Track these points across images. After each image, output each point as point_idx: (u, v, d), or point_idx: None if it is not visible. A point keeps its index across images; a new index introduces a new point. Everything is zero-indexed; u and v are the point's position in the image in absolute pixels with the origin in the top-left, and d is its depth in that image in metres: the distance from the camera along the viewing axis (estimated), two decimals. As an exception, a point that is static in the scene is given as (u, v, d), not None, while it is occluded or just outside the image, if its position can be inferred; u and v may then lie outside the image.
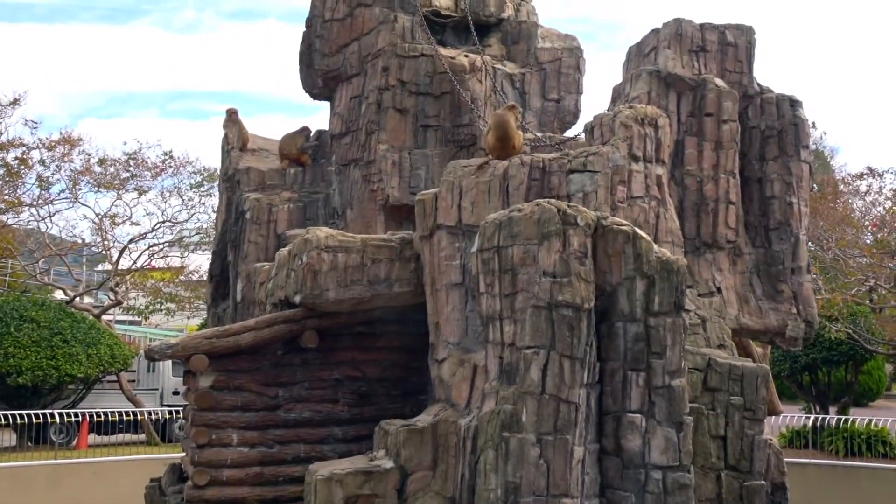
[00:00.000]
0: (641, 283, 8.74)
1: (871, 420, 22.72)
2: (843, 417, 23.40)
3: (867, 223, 27.91)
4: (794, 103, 11.94)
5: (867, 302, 26.51)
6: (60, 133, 27.65)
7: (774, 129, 11.81)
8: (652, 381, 8.64)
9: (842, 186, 30.87)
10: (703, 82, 11.60)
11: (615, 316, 8.80)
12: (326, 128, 16.00)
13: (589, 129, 10.94)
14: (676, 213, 10.80)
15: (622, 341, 8.72)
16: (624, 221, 9.11)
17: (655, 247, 9.00)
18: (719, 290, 11.06)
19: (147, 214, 30.04)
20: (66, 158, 27.35)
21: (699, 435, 9.33)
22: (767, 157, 11.78)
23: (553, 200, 9.01)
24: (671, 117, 11.29)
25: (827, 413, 25.95)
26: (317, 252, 10.66)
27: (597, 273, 8.74)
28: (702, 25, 11.97)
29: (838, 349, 26.05)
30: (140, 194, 28.95)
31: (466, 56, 14.40)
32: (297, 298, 10.81)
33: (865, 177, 28.57)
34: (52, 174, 27.50)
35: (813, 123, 49.09)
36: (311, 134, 15.90)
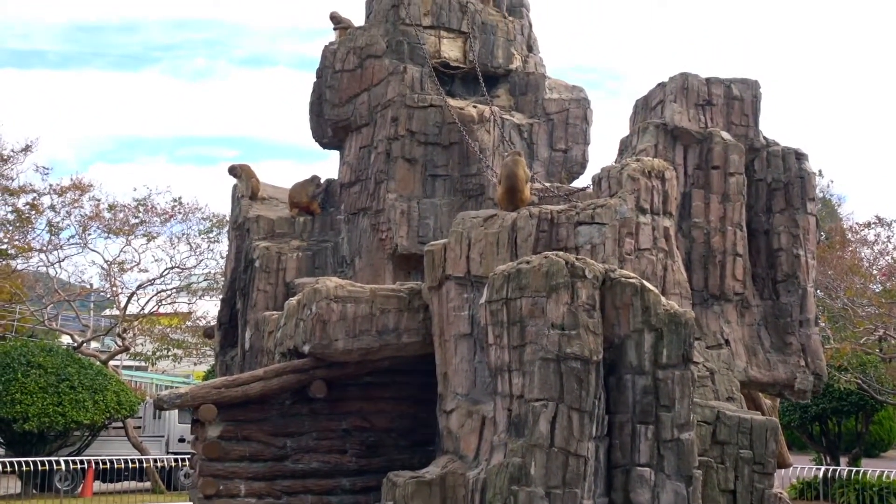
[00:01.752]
0: (650, 335, 8.78)
1: (882, 472, 22.52)
2: (855, 469, 23.20)
3: (875, 272, 27.91)
4: (799, 156, 12.06)
5: (877, 352, 26.41)
6: (71, 179, 27.94)
7: (781, 182, 11.92)
8: (661, 434, 8.65)
9: (850, 235, 30.92)
10: (709, 135, 11.74)
11: (624, 368, 8.83)
12: (336, 177, 16.17)
13: (597, 180, 11.05)
14: (684, 265, 10.86)
15: (631, 394, 8.74)
16: (632, 274, 9.18)
17: (663, 299, 9.06)
18: (727, 342, 11.09)
19: (155, 260, 30.15)
20: (76, 204, 27.61)
21: (708, 489, 9.30)
22: (774, 209, 11.87)
23: (561, 253, 9.09)
24: (678, 170, 11.40)
25: (838, 464, 25.74)
26: (326, 302, 10.74)
27: (605, 325, 8.79)
28: (708, 79, 12.13)
29: (848, 399, 25.91)
30: (149, 240, 29.15)
31: (475, 107, 14.59)
32: (306, 348, 10.86)
33: (873, 226, 28.63)
34: (62, 220, 27.75)
35: (819, 171, 49.24)
36: (321, 182, 16.07)
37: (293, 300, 11.53)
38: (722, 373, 10.68)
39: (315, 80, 16.39)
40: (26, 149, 27.01)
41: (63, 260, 28.71)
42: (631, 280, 8.92)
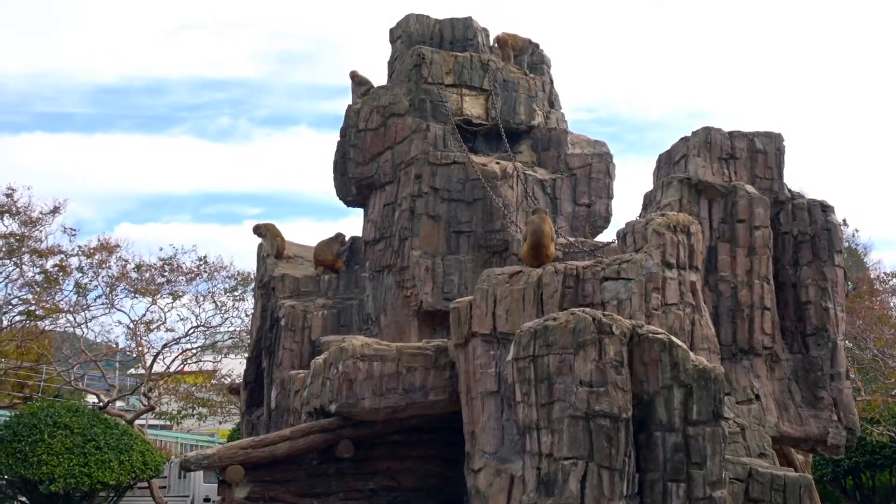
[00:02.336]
0: (679, 391, 8.70)
1: (919, 526, 21.99)
2: (891, 524, 22.68)
3: (905, 322, 27.53)
4: (825, 208, 12.02)
5: (909, 403, 25.95)
6: (99, 240, 28.22)
7: (807, 235, 11.87)
8: (693, 492, 8.52)
9: (877, 285, 30.61)
10: (733, 189, 11.74)
11: (653, 425, 8.74)
12: (360, 234, 16.27)
13: (621, 235, 11.05)
14: (712, 319, 10.79)
15: (661, 451, 8.64)
16: (659, 329, 9.12)
17: (692, 354, 8.99)
18: (758, 397, 10.96)
19: (181, 319, 30.20)
20: (103, 265, 27.85)
21: (742, 548, 9.13)
22: (801, 262, 11.82)
23: (588, 309, 9.07)
24: (703, 224, 11.40)
25: (873, 519, 25.16)
26: (352, 361, 10.74)
27: (633, 382, 8.72)
28: (731, 133, 12.17)
29: (881, 452, 25.39)
30: (174, 299, 29.26)
31: (498, 163, 14.69)
32: (333, 407, 10.84)
33: (901, 275, 28.32)
34: (90, 281, 27.97)
35: (844, 221, 48.87)
36: (346, 240, 16.17)
37: (319, 359, 11.54)
38: (753, 428, 10.54)
39: (339, 139, 16.57)
40: (55, 210, 27.35)
41: (90, 320, 28.87)
42: (659, 335, 8.87)
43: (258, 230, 16.45)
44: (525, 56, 16.33)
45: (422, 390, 10.77)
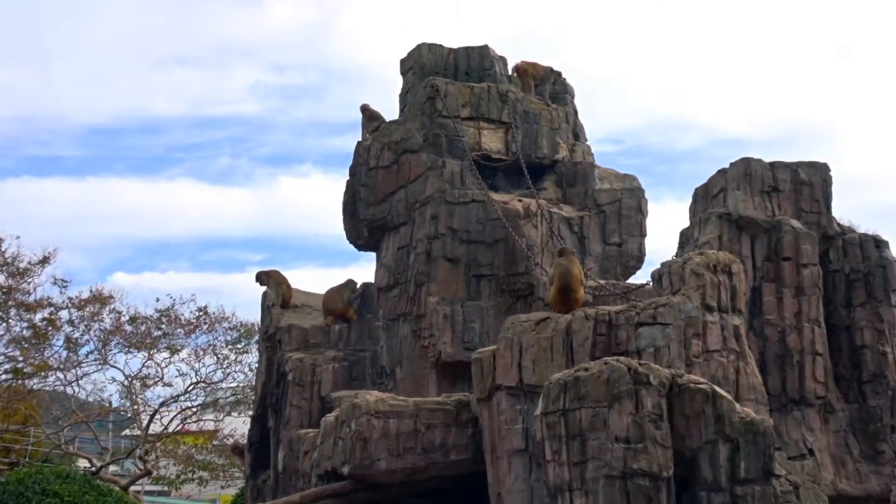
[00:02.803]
0: (724, 447, 8.61)
1: None
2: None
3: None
4: (879, 243, 11.96)
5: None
6: (91, 291, 28.34)
7: (860, 273, 11.80)
8: (743, 558, 8.39)
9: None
10: (777, 224, 11.70)
11: (697, 484, 8.64)
12: (372, 280, 16.27)
13: (657, 277, 11.02)
14: (758, 366, 10.70)
15: (707, 513, 8.53)
16: (701, 379, 9.06)
17: (737, 406, 8.91)
18: (811, 451, 10.83)
19: (179, 375, 30.19)
20: (96, 318, 27.94)
21: None
22: (854, 302, 11.73)
23: (622, 358, 9.01)
24: (745, 263, 11.35)
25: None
26: (366, 418, 10.70)
27: (674, 437, 8.63)
28: (772, 164, 12.17)
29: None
30: (172, 353, 29.30)
31: (520, 200, 14.72)
32: (346, 469, 10.78)
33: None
34: (81, 335, 28.05)
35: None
36: (357, 287, 16.18)
37: (330, 417, 11.50)
38: (807, 486, 10.38)
39: (348, 178, 16.64)
40: (44, 261, 27.51)
41: (82, 378, 28.93)
42: (700, 386, 8.79)
43: (261, 278, 16.50)
44: (546, 85, 16.42)
45: (442, 449, 10.70)
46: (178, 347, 29.54)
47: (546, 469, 9.15)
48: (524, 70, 16.31)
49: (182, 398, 30.11)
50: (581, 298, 10.81)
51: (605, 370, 8.74)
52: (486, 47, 16.68)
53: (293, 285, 16.66)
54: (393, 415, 10.77)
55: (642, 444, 8.45)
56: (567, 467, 8.76)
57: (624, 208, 15.44)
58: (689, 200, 13.21)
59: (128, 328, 28.72)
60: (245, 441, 17.39)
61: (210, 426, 31.39)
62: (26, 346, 27.32)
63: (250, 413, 17.52)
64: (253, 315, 30.13)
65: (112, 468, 32.16)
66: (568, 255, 11.17)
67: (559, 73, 16.83)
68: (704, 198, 12.63)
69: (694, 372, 9.65)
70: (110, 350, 28.71)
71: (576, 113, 16.77)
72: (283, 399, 14.75)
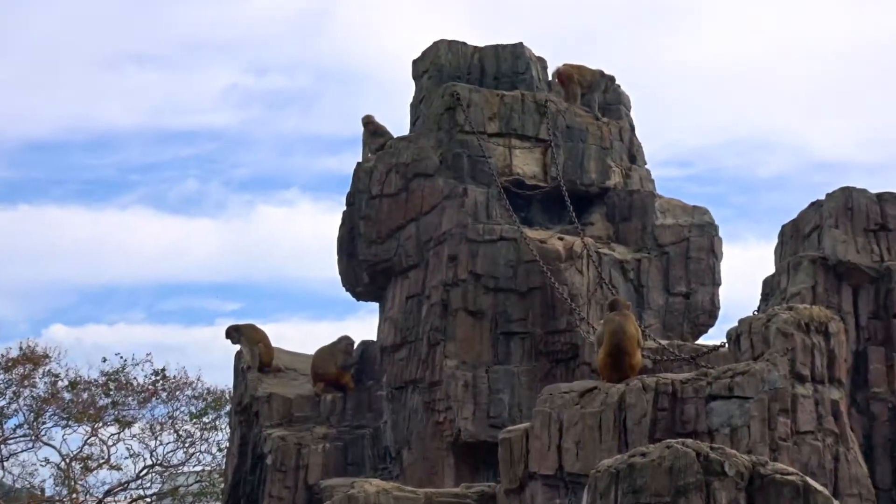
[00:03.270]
0: (820, 555, 8.52)
1: None
2: None
3: None
4: None
5: None
6: (21, 348, 28.40)
7: None
8: None
9: None
10: (887, 272, 11.66)
11: None
12: (374, 338, 16.27)
13: (734, 337, 10.97)
14: (862, 452, 10.63)
15: None
16: (790, 468, 8.98)
17: (836, 502, 8.83)
18: (930, 560, 10.72)
19: (131, 455, 30.14)
20: (26, 382, 27.98)
21: None
22: None
23: (690, 441, 8.95)
24: (846, 320, 11.30)
25: None
26: (365, 514, 10.66)
27: (756, 542, 8.57)
28: (880, 196, 12.14)
29: None
30: (122, 427, 29.28)
31: (561, 238, 14.73)
32: (338, 578, 10.74)
33: None
34: (8, 404, 28.09)
35: None
36: (354, 347, 16.19)
37: (319, 511, 11.48)
38: None
39: (345, 208, 16.74)
40: (-38, 310, 27.68)
41: (7, 458, 28.94)
42: (789, 477, 8.72)
43: (233, 334, 16.55)
44: (596, 94, 16.50)
45: (461, 554, 10.65)
46: (130, 420, 29.52)
47: (592, 581, 9.08)
48: (568, 75, 16.38)
49: (133, 485, 30.06)
50: (637, 364, 10.76)
51: (667, 456, 8.68)
52: (519, 45, 16.83)
53: (275, 343, 16.71)
54: (399, 509, 10.73)
55: (714, 551, 8.37)
56: (619, 579, 8.69)
57: (692, 249, 15.44)
58: (776, 240, 13.18)
59: (66, 396, 28.74)
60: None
61: (168, 521, 31.31)
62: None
63: (219, 505, 17.47)
64: (224, 380, 30.12)
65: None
66: (621, 309, 11.13)
67: (612, 79, 16.91)
68: (794, 237, 12.60)
69: (781, 459, 9.58)
70: (44, 423, 28.71)
71: (632, 129, 16.83)
72: (261, 488, 14.73)
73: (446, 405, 13.88)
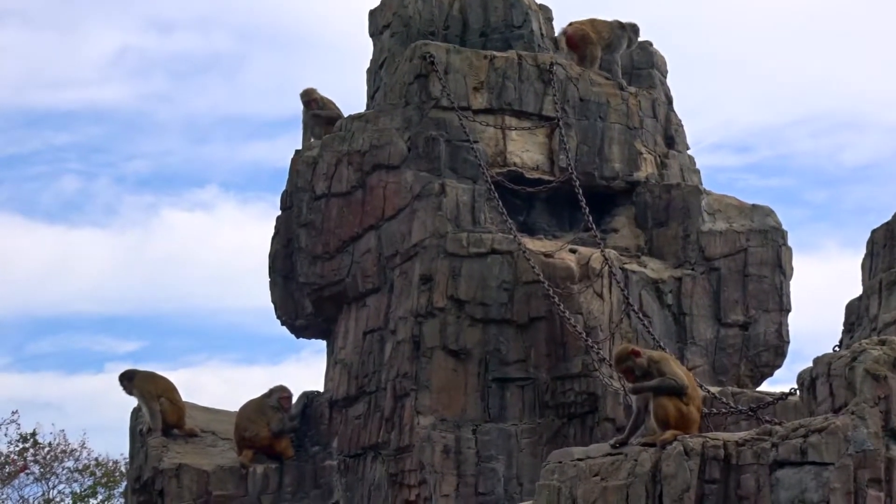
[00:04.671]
0: None
1: None
2: None
3: None
4: None
5: None
6: None
7: None
8: None
9: None
10: None
11: None
12: (321, 388, 16.23)
13: (807, 382, 10.99)
14: None
15: None
16: (885, 559, 9.02)
17: None
18: None
19: (-10, 554, 30.19)
20: None
21: None
22: None
23: (749, 522, 8.99)
24: (960, 358, 11.31)
25: None
26: None
27: None
28: None
29: None
30: (-22, 514, 29.22)
31: (574, 251, 14.76)
32: None
33: None
34: None
35: None
36: (293, 401, 16.15)
37: None
38: None
39: (279, 212, 16.73)
40: None
41: None
42: (884, 571, 8.76)
43: (126, 383, 16.46)
44: (617, 54, 16.49)
45: None
46: (-11, 504, 29.45)
47: None
48: (580, 36, 16.26)
49: None
50: (688, 417, 10.75)
51: (718, 543, 8.72)
52: (515, -9, 16.84)
53: (186, 397, 16.65)
54: None
55: None
56: None
57: (752, 264, 15.51)
58: (863, 251, 13.20)
59: None
60: None
61: None
62: None
63: None
64: (118, 448, 30.04)
65: None
66: (660, 352, 11.21)
67: (635, 29, 16.79)
68: (889, 246, 12.63)
69: (873, 546, 9.60)
70: None
71: (669, 102, 16.88)
72: None
73: (419, 478, 13.88)
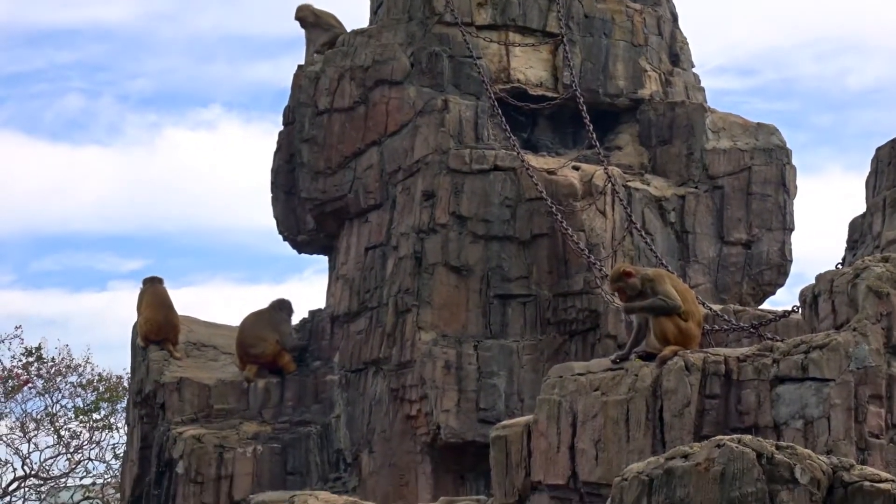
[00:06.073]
0: (923, 591, 8.55)
1: None
2: None
3: None
4: None
5: None
6: None
7: None
8: None
9: None
10: None
11: None
12: (322, 305, 16.24)
13: (810, 299, 10.97)
14: (984, 453, 10.65)
15: None
16: (883, 473, 8.99)
17: (947, 522, 8.86)
18: None
19: (-7, 465, 30.31)
20: None
21: None
22: None
23: (748, 438, 8.94)
24: (961, 276, 11.28)
25: None
26: (308, 539, 10.68)
27: (837, 574, 8.58)
28: None
29: None
30: (-18, 427, 29.32)
31: (577, 168, 14.76)
32: None
33: None
34: None
35: None
36: (292, 314, 16.18)
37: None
38: None
39: (281, 128, 16.66)
40: None
41: None
42: (882, 485, 8.73)
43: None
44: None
45: None
46: (-7, 416, 29.54)
47: None
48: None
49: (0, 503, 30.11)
50: (688, 334, 10.71)
51: (718, 458, 8.68)
52: None
53: (187, 311, 16.66)
54: (354, 534, 10.75)
55: (781, 587, 8.39)
56: None
57: (756, 182, 15.49)
58: (867, 170, 13.15)
59: None
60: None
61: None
62: None
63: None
64: (122, 363, 30.11)
65: None
66: (657, 269, 11.18)
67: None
68: (894, 164, 12.57)
69: (872, 461, 9.60)
70: None
71: (674, 19, 16.77)
72: (169, 504, 14.75)
73: (420, 393, 13.92)
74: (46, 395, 29.73)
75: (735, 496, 8.58)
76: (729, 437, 9.01)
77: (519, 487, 10.42)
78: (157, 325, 16.12)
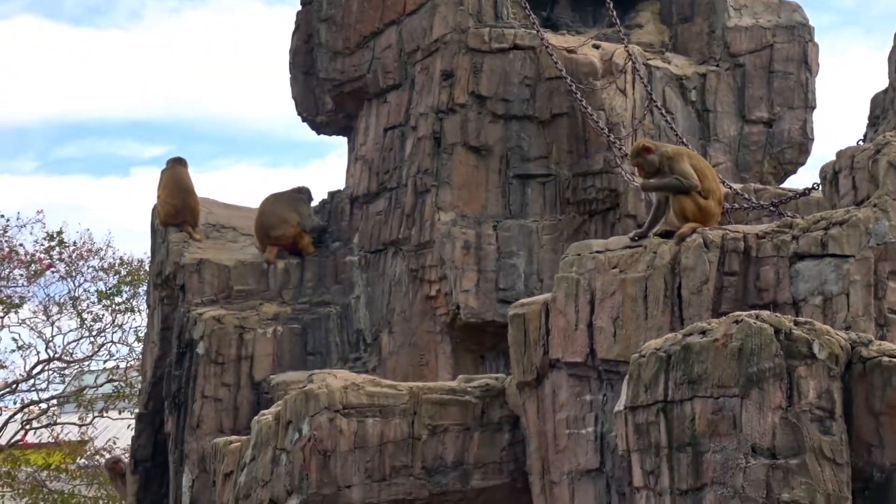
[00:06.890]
0: (941, 464, 8.61)
1: None
2: None
3: None
4: None
5: None
6: None
7: None
8: None
9: None
10: None
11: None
12: (341, 186, 16.24)
13: (830, 175, 10.94)
14: None
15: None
16: (902, 349, 9.02)
17: (964, 394, 8.89)
18: None
19: (18, 348, 30.45)
20: None
21: None
22: None
23: (766, 314, 8.96)
24: (983, 152, 11.22)
25: None
26: (328, 416, 10.74)
27: (856, 447, 8.63)
28: None
29: None
30: (7, 311, 29.50)
31: (597, 47, 14.65)
32: (295, 502, 10.86)
33: None
34: None
35: None
36: (310, 196, 16.18)
37: (268, 414, 11.56)
38: None
39: (299, 7, 16.56)
40: None
41: None
42: (900, 361, 8.76)
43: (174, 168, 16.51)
44: None
45: (458, 469, 10.77)
46: (16, 301, 29.73)
47: (632, 500, 9.18)
48: None
49: (24, 386, 30.38)
50: (707, 211, 10.70)
51: (735, 334, 8.70)
52: None
53: (209, 194, 16.69)
54: (374, 410, 10.81)
55: (799, 460, 8.45)
56: (670, 497, 8.78)
57: (777, 60, 15.39)
58: (890, 47, 13.06)
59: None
60: (127, 457, 17.53)
61: (73, 434, 31.71)
62: None
63: (136, 410, 17.60)
64: (143, 247, 30.21)
65: None
66: (676, 147, 11.16)
67: None
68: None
69: (891, 338, 9.60)
70: None
71: None
72: (190, 386, 14.83)
73: (440, 274, 13.96)
74: (69, 279, 29.89)
75: (753, 372, 8.63)
76: (747, 313, 9.03)
77: (537, 365, 10.46)
78: (175, 209, 16.15)
